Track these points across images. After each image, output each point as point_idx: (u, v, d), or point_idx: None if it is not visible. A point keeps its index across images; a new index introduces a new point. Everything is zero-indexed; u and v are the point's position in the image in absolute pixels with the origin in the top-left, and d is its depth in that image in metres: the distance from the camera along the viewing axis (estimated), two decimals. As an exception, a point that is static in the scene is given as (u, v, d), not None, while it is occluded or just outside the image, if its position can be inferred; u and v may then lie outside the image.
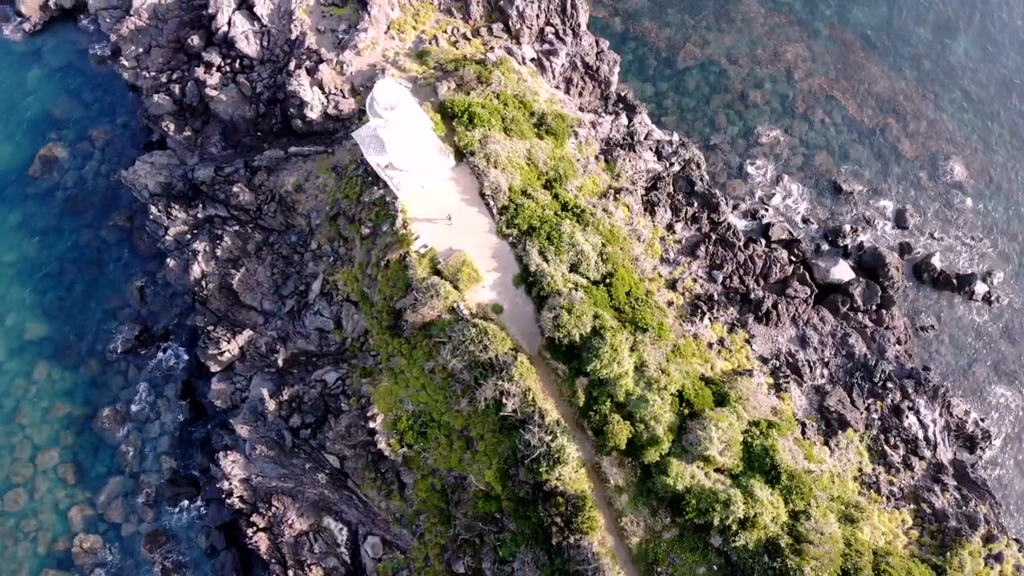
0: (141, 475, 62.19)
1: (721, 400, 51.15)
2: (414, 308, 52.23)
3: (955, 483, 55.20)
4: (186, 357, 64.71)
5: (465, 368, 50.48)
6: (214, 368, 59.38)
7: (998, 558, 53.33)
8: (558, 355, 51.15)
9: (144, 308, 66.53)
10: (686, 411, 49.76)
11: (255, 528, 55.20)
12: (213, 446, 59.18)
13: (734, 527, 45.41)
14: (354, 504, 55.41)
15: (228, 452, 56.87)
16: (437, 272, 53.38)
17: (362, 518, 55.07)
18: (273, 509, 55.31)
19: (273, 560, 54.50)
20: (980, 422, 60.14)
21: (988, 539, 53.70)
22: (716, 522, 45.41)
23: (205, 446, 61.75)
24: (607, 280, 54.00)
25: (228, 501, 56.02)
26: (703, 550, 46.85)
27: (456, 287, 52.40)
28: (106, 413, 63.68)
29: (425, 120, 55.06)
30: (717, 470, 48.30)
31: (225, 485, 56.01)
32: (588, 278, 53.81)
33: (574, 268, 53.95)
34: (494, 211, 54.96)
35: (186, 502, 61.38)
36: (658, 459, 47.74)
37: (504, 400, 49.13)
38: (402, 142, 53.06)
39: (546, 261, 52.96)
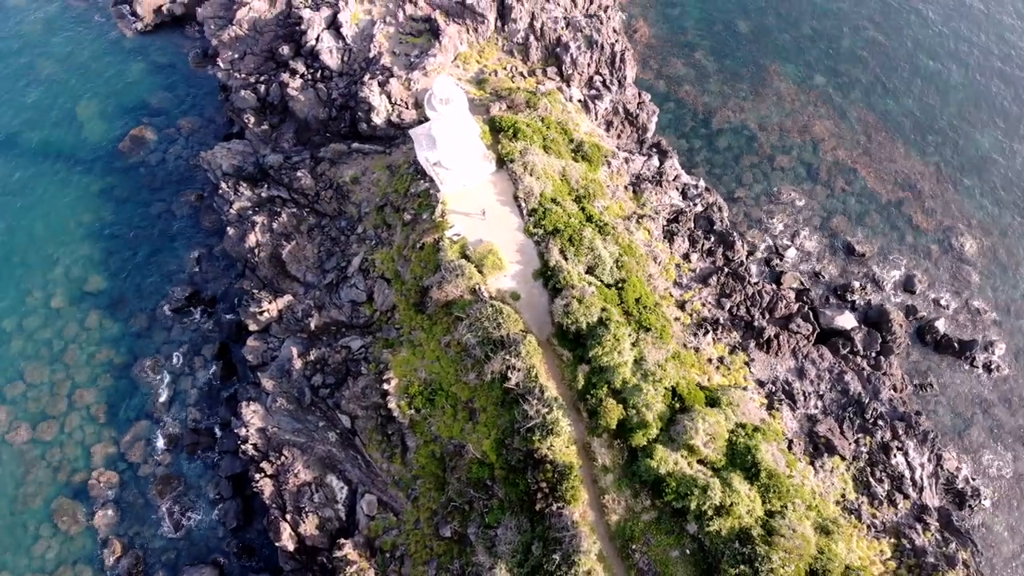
0: (166, 423, 66.50)
1: (713, 403, 54.15)
2: (440, 286, 57.19)
3: (938, 525, 56.28)
4: (227, 321, 70.03)
5: (478, 343, 54.68)
6: (252, 327, 64.50)
7: (975, 604, 53.81)
8: (565, 342, 55.22)
9: (198, 275, 72.67)
10: (677, 406, 52.88)
11: (263, 474, 58.67)
12: (238, 399, 63.42)
13: (710, 512, 47.53)
14: (358, 464, 58.73)
15: (250, 403, 61.13)
16: (465, 257, 58.56)
17: (363, 478, 58.24)
18: (282, 459, 58.85)
19: (274, 505, 57.58)
20: (971, 480, 61.35)
21: (966, 584, 54.34)
22: (693, 506, 47.59)
23: (230, 403, 66.10)
24: (620, 285, 58.36)
25: (242, 447, 59.78)
26: (678, 534, 48.83)
27: (480, 271, 57.37)
28: (145, 363, 68.83)
29: (473, 124, 61.73)
30: (700, 462, 50.81)
31: (242, 432, 59.93)
32: (602, 281, 58.29)
33: (590, 270, 58.59)
34: (524, 212, 60.47)
35: (203, 453, 65.26)
36: (645, 443, 50.57)
37: (509, 374, 52.99)
38: (451, 141, 59.60)
39: (565, 259, 57.81)
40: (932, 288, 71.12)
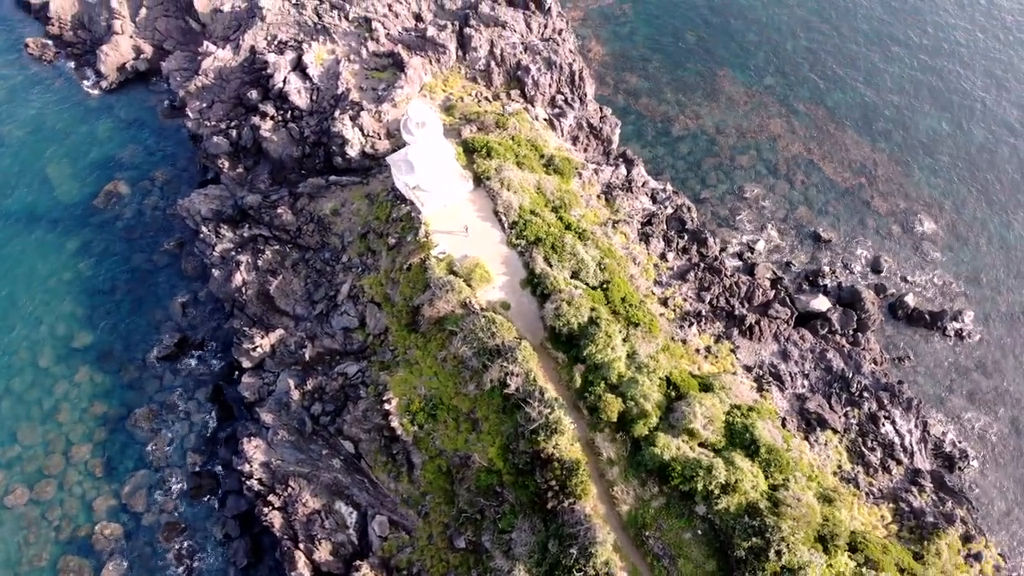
0: (166, 469, 66.16)
1: (706, 389, 55.99)
2: (431, 303, 58.57)
3: (932, 487, 58.43)
4: (218, 364, 70.36)
5: (474, 354, 55.95)
6: (246, 364, 64.95)
7: (977, 557, 55.75)
8: (558, 345, 56.83)
9: (185, 321, 72.97)
10: (673, 394, 54.64)
11: (271, 507, 58.75)
12: (237, 436, 63.55)
13: (716, 492, 49.04)
14: (365, 487, 59.16)
15: (251, 438, 61.35)
16: (453, 273, 60.07)
17: (371, 500, 58.65)
18: (289, 490, 59.05)
19: (285, 536, 57.61)
20: (957, 443, 63.78)
21: (966, 539, 56.37)
22: (700, 487, 49.05)
23: (229, 443, 66.12)
24: (604, 286, 60.30)
25: (247, 483, 59.87)
26: (688, 517, 50.19)
27: (469, 285, 58.91)
28: (139, 413, 68.59)
29: (448, 147, 63.82)
30: (701, 445, 52.48)
31: (246, 468, 60.03)
32: (587, 284, 60.20)
33: (575, 275, 60.49)
34: (505, 226, 62.36)
35: (206, 496, 65.04)
36: (647, 433, 52.11)
37: (508, 380, 54.28)
38: (428, 164, 61.53)
39: (550, 266, 59.67)
40: (898, 266, 74.44)
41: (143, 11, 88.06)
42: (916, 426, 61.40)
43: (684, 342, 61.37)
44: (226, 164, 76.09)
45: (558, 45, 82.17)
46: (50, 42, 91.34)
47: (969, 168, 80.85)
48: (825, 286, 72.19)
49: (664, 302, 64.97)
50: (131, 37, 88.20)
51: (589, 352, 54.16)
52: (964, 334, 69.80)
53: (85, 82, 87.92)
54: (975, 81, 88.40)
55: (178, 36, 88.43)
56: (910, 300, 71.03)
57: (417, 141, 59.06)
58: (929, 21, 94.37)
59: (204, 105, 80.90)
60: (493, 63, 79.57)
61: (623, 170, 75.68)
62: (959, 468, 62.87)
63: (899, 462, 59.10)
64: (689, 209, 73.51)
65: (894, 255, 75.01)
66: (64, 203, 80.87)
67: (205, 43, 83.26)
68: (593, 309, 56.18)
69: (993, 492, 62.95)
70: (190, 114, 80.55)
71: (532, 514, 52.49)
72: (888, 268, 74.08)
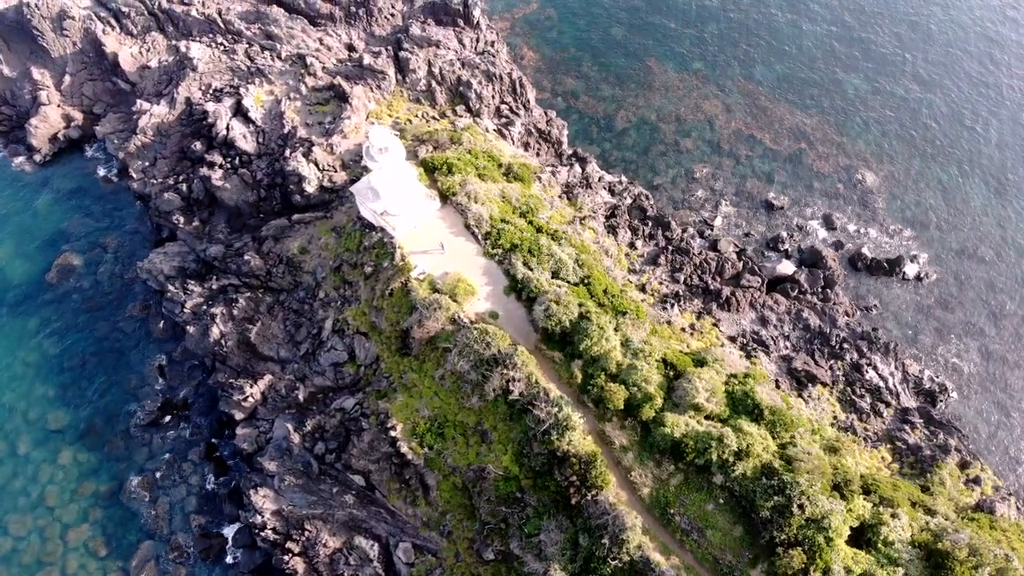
0: (171, 536, 64.37)
1: (700, 363, 57.72)
2: (420, 324, 58.78)
3: (923, 423, 61.40)
4: (206, 421, 68.86)
5: (472, 367, 56.38)
6: (238, 415, 63.86)
7: (976, 481, 58.79)
8: (552, 345, 57.75)
9: (164, 383, 71.20)
10: (671, 373, 56.19)
11: (290, 554, 57.88)
12: (242, 489, 62.38)
13: (731, 459, 50.63)
14: (382, 518, 58.83)
15: (258, 489, 60.34)
16: (436, 291, 60.47)
17: (392, 529, 58.36)
18: (306, 534, 58.28)
19: (310, 581, 56.94)
20: (935, 378, 67.12)
21: (963, 466, 59.39)
22: (714, 458, 50.57)
23: (232, 498, 64.80)
24: (585, 281, 61.61)
25: (261, 535, 58.84)
26: (708, 489, 51.65)
27: (455, 300, 59.36)
28: (133, 484, 66.62)
29: (411, 169, 64.25)
30: (707, 417, 54.08)
31: (257, 520, 59.00)
32: (568, 281, 61.37)
33: (555, 275, 61.60)
34: (479, 237, 63.08)
35: (218, 556, 63.49)
36: (654, 415, 53.45)
37: (511, 387, 54.89)
38: (393, 188, 61.83)
39: (530, 270, 60.63)
40: (849, 221, 78.08)
41: (67, 78, 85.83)
42: (896, 368, 64.45)
43: (669, 323, 63.09)
44: (181, 219, 74.76)
45: (494, 57, 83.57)
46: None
47: (897, 121, 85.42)
48: (787, 251, 75.15)
49: (642, 288, 66.67)
50: (59, 106, 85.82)
51: (585, 347, 55.25)
52: (922, 275, 73.56)
53: (17, 159, 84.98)
54: (889, 42, 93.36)
55: (108, 98, 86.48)
56: (867, 251, 74.55)
57: (381, 167, 59.36)
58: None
59: (147, 164, 79.35)
60: (434, 82, 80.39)
61: (578, 168, 77.36)
62: (941, 401, 66.10)
63: (888, 404, 61.90)
64: (647, 197, 75.65)
65: (843, 211, 78.63)
66: (15, 284, 78.02)
67: (138, 101, 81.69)
68: (581, 304, 57.35)
69: (976, 418, 66.39)
70: (134, 174, 78.92)
71: (557, 513, 53.19)
72: (840, 224, 77.61)
